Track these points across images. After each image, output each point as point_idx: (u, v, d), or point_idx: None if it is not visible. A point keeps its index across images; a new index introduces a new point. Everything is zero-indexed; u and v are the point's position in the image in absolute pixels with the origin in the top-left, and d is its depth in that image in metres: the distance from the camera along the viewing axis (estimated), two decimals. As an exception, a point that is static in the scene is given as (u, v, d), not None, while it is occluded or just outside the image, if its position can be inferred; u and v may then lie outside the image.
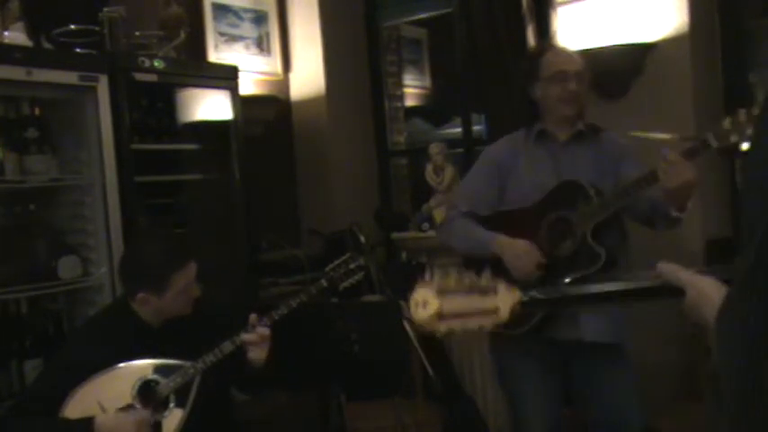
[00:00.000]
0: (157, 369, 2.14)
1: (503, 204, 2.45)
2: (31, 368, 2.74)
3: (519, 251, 2.30)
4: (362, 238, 2.97)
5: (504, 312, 1.14)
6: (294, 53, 4.32)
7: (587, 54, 3.37)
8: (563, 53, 2.47)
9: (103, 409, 2.06)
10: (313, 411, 3.19)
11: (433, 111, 5.31)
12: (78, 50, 2.97)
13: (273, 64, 4.25)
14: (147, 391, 2.12)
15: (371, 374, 2.52)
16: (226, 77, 3.44)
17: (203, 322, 2.25)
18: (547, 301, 1.21)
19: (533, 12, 3.50)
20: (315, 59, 4.24)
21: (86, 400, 2.07)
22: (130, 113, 3.04)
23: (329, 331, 2.50)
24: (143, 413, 2.07)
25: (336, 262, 2.32)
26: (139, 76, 3.04)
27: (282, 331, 2.24)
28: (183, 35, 3.36)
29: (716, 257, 3.23)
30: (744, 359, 0.74)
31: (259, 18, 4.18)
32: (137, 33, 3.27)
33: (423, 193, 3.97)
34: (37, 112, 2.89)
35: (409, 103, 5.01)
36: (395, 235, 3.87)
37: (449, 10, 4.04)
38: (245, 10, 4.11)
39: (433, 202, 3.77)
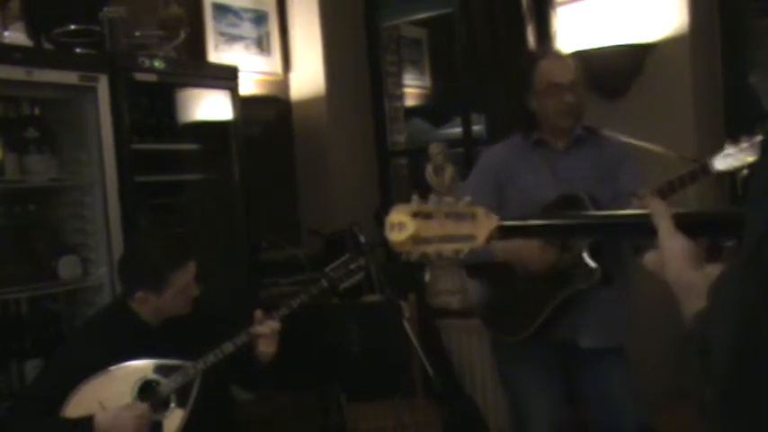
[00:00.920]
0: (158, 369, 2.14)
1: (501, 211, 2.45)
2: (31, 368, 2.74)
3: (518, 248, 2.31)
4: (362, 238, 2.96)
5: (480, 239, 1.13)
6: (294, 53, 4.32)
7: (587, 54, 3.40)
8: (556, 63, 2.43)
9: (105, 409, 2.06)
10: (313, 411, 3.19)
11: (433, 111, 5.31)
12: (78, 50, 2.96)
13: (273, 64, 4.25)
14: (147, 391, 2.12)
15: (371, 374, 2.52)
16: (226, 77, 3.44)
17: (203, 322, 2.25)
18: (523, 227, 1.18)
19: (533, 12, 3.50)
20: (315, 59, 4.24)
21: (87, 399, 2.07)
22: (130, 113, 3.03)
23: (329, 331, 2.50)
24: (142, 408, 2.07)
25: (336, 262, 2.33)
26: (139, 76, 3.03)
27: (283, 331, 2.24)
28: (182, 35, 3.36)
29: (716, 258, 3.23)
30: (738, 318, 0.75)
31: (259, 18, 4.18)
32: (137, 33, 3.27)
33: (423, 193, 3.96)
34: (37, 112, 2.89)
35: (409, 103, 5.01)
36: (395, 235, 3.87)
37: (449, 10, 4.04)
38: (245, 10, 4.11)
39: (432, 202, 3.77)
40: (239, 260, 3.46)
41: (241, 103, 3.48)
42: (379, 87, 4.44)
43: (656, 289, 3.01)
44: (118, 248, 2.83)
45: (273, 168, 4.18)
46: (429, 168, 3.77)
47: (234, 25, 4.04)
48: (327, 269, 2.32)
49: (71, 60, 2.84)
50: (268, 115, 4.05)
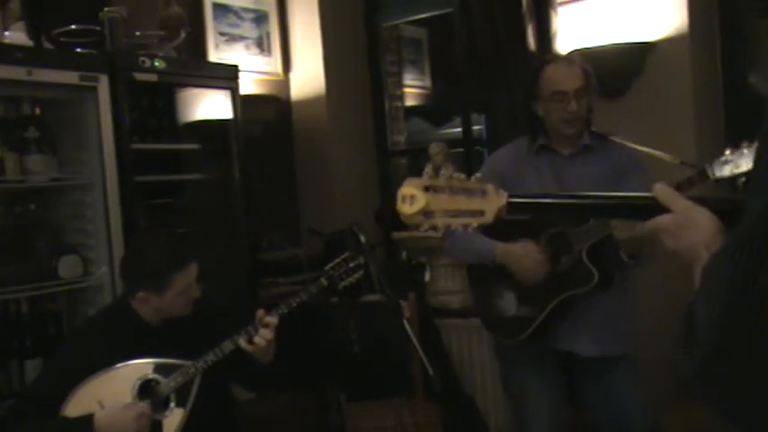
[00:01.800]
0: (158, 368, 2.14)
1: None
2: (32, 368, 2.74)
3: (519, 255, 2.32)
4: (362, 238, 2.97)
5: (490, 215, 1.16)
6: (294, 53, 4.32)
7: (587, 54, 3.40)
8: (562, 70, 2.38)
9: (104, 409, 2.06)
10: (313, 411, 3.20)
11: (433, 111, 5.31)
12: (79, 50, 2.97)
13: (273, 64, 4.25)
14: (147, 391, 2.12)
15: (371, 374, 2.52)
16: (226, 77, 3.44)
17: (203, 322, 2.25)
18: (531, 204, 1.21)
19: (533, 12, 3.50)
20: (315, 59, 4.24)
21: (87, 399, 2.07)
22: (130, 113, 3.04)
23: (329, 331, 2.50)
24: (142, 407, 2.07)
25: (336, 261, 2.33)
26: (139, 76, 3.04)
27: (283, 331, 2.24)
28: (183, 35, 3.36)
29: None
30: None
31: (259, 18, 4.18)
32: (137, 33, 3.27)
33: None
34: (37, 111, 2.89)
35: (409, 103, 5.00)
36: (395, 235, 3.88)
37: (449, 10, 4.04)
38: (246, 10, 4.11)
39: (433, 202, 3.77)
40: (239, 260, 3.46)
41: (241, 103, 3.48)
42: (379, 87, 4.44)
43: (657, 289, 3.03)
44: (118, 248, 2.83)
45: (273, 168, 4.18)
46: (429, 168, 3.77)
47: (234, 25, 4.04)
48: (327, 267, 2.32)
49: (71, 60, 2.84)
50: (268, 115, 4.05)
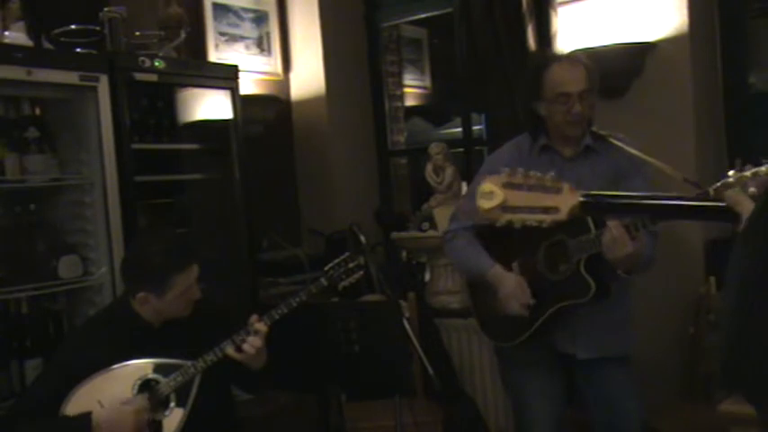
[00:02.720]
0: (158, 368, 2.14)
1: None
2: (32, 368, 2.74)
3: (509, 290, 2.32)
4: (362, 238, 2.97)
5: (564, 212, 1.22)
6: (294, 53, 4.32)
7: (587, 54, 3.40)
8: (567, 71, 2.35)
9: (103, 408, 2.06)
10: (313, 411, 3.19)
11: (433, 111, 5.31)
12: (78, 50, 2.97)
13: (273, 64, 4.25)
14: (147, 390, 2.12)
15: (371, 374, 2.51)
16: (226, 77, 3.44)
17: (203, 322, 2.25)
18: (604, 203, 1.25)
19: (533, 12, 3.50)
20: (315, 59, 4.24)
21: (87, 399, 2.08)
22: (130, 113, 3.04)
23: (329, 331, 2.50)
24: (140, 402, 2.07)
25: (336, 261, 2.33)
26: (139, 76, 3.03)
27: (283, 331, 2.24)
28: (183, 35, 3.36)
29: (716, 258, 3.23)
30: None
31: (259, 18, 4.18)
32: (137, 33, 3.27)
33: (423, 193, 3.97)
34: (37, 111, 2.89)
35: (409, 103, 5.01)
36: (395, 235, 3.88)
37: (449, 10, 4.04)
38: (246, 10, 4.11)
39: (433, 201, 3.78)
40: (239, 260, 3.46)
41: (241, 103, 3.48)
42: (379, 87, 4.44)
43: (656, 291, 3.03)
44: (118, 248, 2.83)
45: (274, 168, 4.18)
46: (429, 168, 3.77)
47: (234, 25, 4.04)
48: (327, 267, 2.32)
49: (71, 60, 2.84)
50: (268, 115, 4.05)
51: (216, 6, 3.94)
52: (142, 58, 3.06)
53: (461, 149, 4.14)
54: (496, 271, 2.37)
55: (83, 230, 2.95)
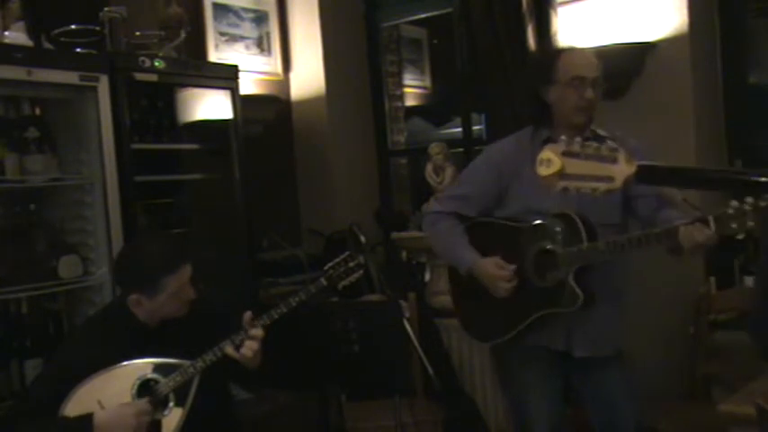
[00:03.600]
0: (157, 368, 2.14)
1: (500, 209, 2.41)
2: (32, 368, 2.75)
3: (490, 272, 2.31)
4: (362, 238, 2.97)
5: (618, 181, 1.27)
6: (294, 53, 4.32)
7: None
8: (582, 56, 2.34)
9: (104, 408, 2.06)
10: (313, 411, 3.19)
11: (433, 111, 5.31)
12: (79, 50, 2.97)
13: (273, 64, 4.25)
14: (146, 390, 2.12)
15: (371, 374, 2.51)
16: (226, 77, 3.44)
17: (201, 322, 2.25)
18: (659, 173, 1.31)
19: (533, 12, 3.50)
20: (315, 59, 4.24)
21: (86, 399, 2.07)
22: (130, 113, 3.04)
23: (329, 331, 2.50)
24: (142, 405, 2.07)
25: (335, 261, 2.32)
26: (139, 76, 3.04)
27: (283, 331, 2.24)
28: (183, 35, 3.36)
29: (716, 257, 3.23)
30: None
31: (259, 18, 4.18)
32: (137, 33, 3.27)
33: (423, 193, 3.97)
34: (37, 111, 2.90)
35: (409, 102, 5.01)
36: (395, 235, 3.88)
37: (449, 10, 4.04)
38: (246, 10, 4.11)
39: (432, 201, 3.78)
40: (239, 260, 3.46)
41: (241, 103, 3.48)
42: (379, 87, 4.44)
43: (656, 291, 3.03)
44: (118, 248, 2.82)
45: (273, 168, 4.18)
46: (429, 168, 3.77)
47: (234, 25, 4.04)
48: (326, 267, 2.32)
49: (71, 60, 2.84)
50: (268, 115, 4.05)
51: (216, 6, 3.94)
52: (142, 58, 3.06)
53: (461, 149, 4.14)
54: (476, 263, 2.35)
55: (83, 230, 2.95)
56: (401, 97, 4.68)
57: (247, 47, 4.11)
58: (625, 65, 3.39)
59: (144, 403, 2.08)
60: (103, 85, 2.87)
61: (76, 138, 2.93)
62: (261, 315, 2.22)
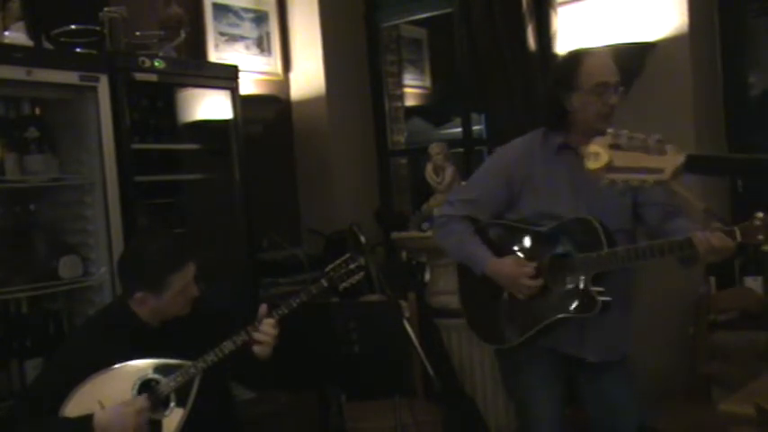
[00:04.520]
0: (158, 368, 2.14)
1: (511, 212, 2.37)
2: (32, 368, 2.75)
3: (510, 272, 2.27)
4: (362, 238, 2.97)
5: (668, 173, 1.25)
6: (294, 53, 4.32)
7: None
8: (604, 61, 2.28)
9: (104, 408, 2.06)
10: (313, 411, 3.19)
11: (433, 111, 5.31)
12: (78, 50, 2.97)
13: (273, 64, 4.25)
14: (147, 391, 2.12)
15: (371, 374, 2.51)
16: (226, 77, 3.44)
17: (202, 322, 2.25)
18: (710, 165, 1.31)
19: (533, 12, 3.50)
20: (315, 59, 4.24)
21: (87, 399, 2.07)
22: (130, 113, 3.04)
23: (329, 331, 2.50)
24: (140, 402, 2.07)
25: (336, 262, 2.32)
26: (139, 76, 3.04)
27: (283, 331, 2.24)
28: (183, 35, 3.36)
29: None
30: None
31: (259, 18, 4.18)
32: (137, 33, 3.27)
33: (423, 193, 3.97)
34: (37, 111, 2.90)
35: (409, 103, 5.01)
36: (395, 235, 3.88)
37: (449, 10, 4.04)
38: (246, 10, 4.11)
39: (432, 201, 3.78)
40: (239, 260, 3.46)
41: (241, 103, 3.48)
42: (379, 87, 4.44)
43: (656, 291, 3.02)
44: (118, 248, 2.83)
45: (274, 168, 4.18)
46: (429, 168, 3.77)
47: (234, 25, 4.04)
48: (327, 269, 2.31)
49: (71, 60, 2.84)
50: (268, 115, 4.05)
51: (216, 6, 3.94)
52: (142, 58, 3.06)
53: (461, 149, 4.14)
54: (496, 262, 2.31)
55: (83, 230, 2.95)
56: (401, 97, 4.68)
57: (247, 47, 4.11)
58: (625, 65, 3.38)
59: (142, 400, 2.07)
60: (103, 85, 2.87)
61: (76, 138, 2.93)
62: (270, 307, 2.22)
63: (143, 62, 3.05)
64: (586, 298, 2.17)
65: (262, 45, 4.19)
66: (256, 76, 4.13)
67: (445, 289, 3.70)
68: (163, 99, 3.39)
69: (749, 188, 3.43)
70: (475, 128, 4.17)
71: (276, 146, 4.23)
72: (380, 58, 4.45)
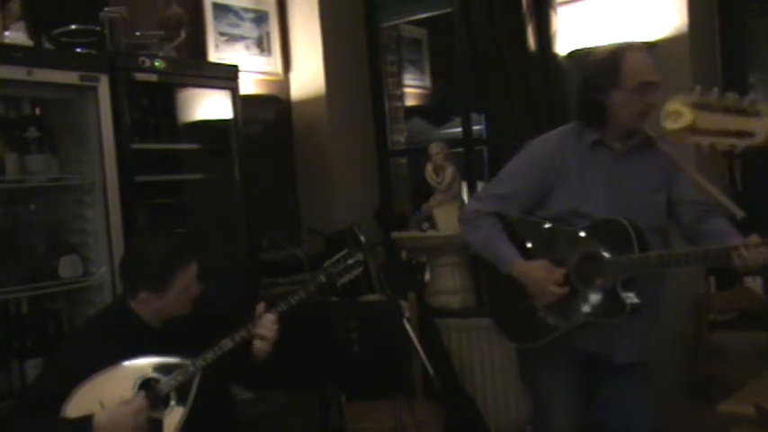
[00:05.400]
0: (158, 367, 2.14)
1: (541, 209, 2.32)
2: (32, 368, 2.74)
3: (539, 277, 2.22)
4: (362, 238, 2.97)
5: (761, 137, 1.13)
6: (294, 53, 4.32)
7: (587, 54, 3.40)
8: (648, 58, 2.22)
9: (104, 408, 2.06)
10: (313, 411, 3.19)
11: (433, 111, 5.31)
12: (79, 50, 2.97)
13: (273, 64, 4.25)
14: (147, 390, 2.12)
15: (371, 374, 2.52)
16: (226, 77, 3.44)
17: (203, 321, 2.25)
18: None
19: (533, 12, 3.50)
20: (315, 59, 4.24)
21: (87, 399, 2.07)
22: (131, 113, 3.04)
23: (329, 331, 2.50)
24: (138, 401, 2.07)
25: (334, 258, 2.31)
26: (139, 76, 3.04)
27: (282, 331, 2.24)
28: (183, 35, 3.36)
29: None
30: None
31: (259, 18, 4.18)
32: (137, 33, 3.27)
33: (423, 192, 3.97)
34: (37, 111, 2.90)
35: (409, 103, 5.01)
36: (395, 234, 3.88)
37: (449, 10, 4.04)
38: (246, 10, 4.11)
39: (433, 201, 3.78)
40: (239, 260, 3.46)
41: (241, 103, 3.48)
42: (379, 87, 4.44)
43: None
44: (118, 248, 2.83)
45: (274, 168, 4.18)
46: (429, 168, 3.77)
47: (234, 25, 4.04)
48: (325, 265, 2.31)
49: (71, 60, 2.84)
50: (268, 115, 4.05)
51: (216, 6, 3.94)
52: (142, 58, 3.06)
53: (461, 149, 4.14)
54: (524, 265, 2.26)
55: (83, 230, 2.95)
56: (401, 97, 4.69)
57: (247, 47, 4.11)
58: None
59: (140, 399, 2.07)
60: (103, 85, 2.87)
61: (76, 138, 2.93)
62: (269, 307, 2.23)
63: (143, 62, 3.05)
64: (615, 301, 2.13)
65: (262, 45, 4.19)
66: (256, 76, 4.13)
67: (445, 289, 3.71)
68: (163, 99, 3.39)
69: (748, 187, 3.44)
70: (475, 128, 4.17)
71: (276, 146, 4.23)
72: (380, 58, 4.45)
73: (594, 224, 2.20)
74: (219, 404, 2.32)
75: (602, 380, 2.38)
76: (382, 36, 4.47)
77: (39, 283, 2.76)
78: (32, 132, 2.78)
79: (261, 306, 2.23)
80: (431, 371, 2.58)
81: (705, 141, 1.15)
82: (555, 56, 3.52)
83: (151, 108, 3.32)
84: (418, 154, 4.30)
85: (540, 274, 2.23)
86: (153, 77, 3.09)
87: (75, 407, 2.07)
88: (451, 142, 4.02)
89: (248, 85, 3.96)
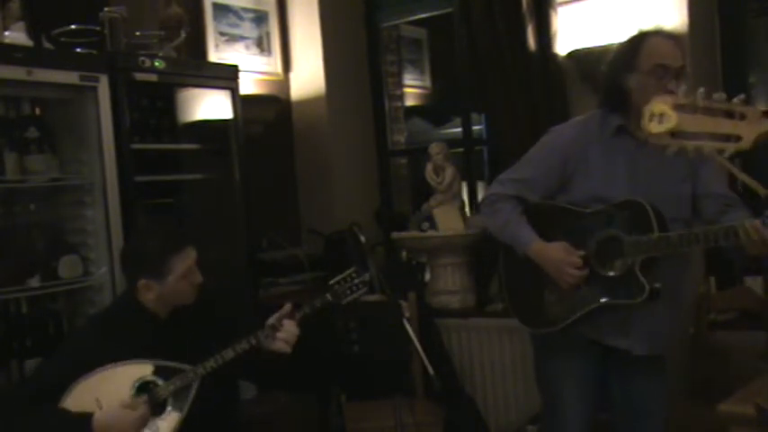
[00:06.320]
0: (158, 371, 2.14)
1: (562, 195, 2.30)
2: (31, 368, 2.74)
3: (557, 257, 2.20)
4: (362, 238, 2.97)
5: (748, 141, 1.05)
6: (294, 53, 4.32)
7: (587, 54, 3.40)
8: (668, 43, 2.17)
9: (101, 407, 2.06)
10: (313, 411, 3.20)
11: (433, 111, 5.32)
12: (79, 50, 2.97)
13: (273, 64, 4.25)
14: (145, 392, 2.12)
15: (371, 374, 2.52)
16: (226, 77, 3.44)
17: (209, 315, 2.27)
18: None
19: (533, 12, 3.50)
20: (315, 59, 4.24)
21: (85, 395, 2.08)
22: (130, 113, 3.04)
23: (329, 331, 2.50)
24: (143, 409, 2.08)
25: (341, 276, 2.30)
26: (139, 76, 3.04)
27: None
28: (183, 35, 3.36)
29: (715, 258, 3.23)
30: None
31: (259, 18, 4.18)
32: (137, 33, 3.27)
33: (423, 193, 3.97)
34: (37, 111, 2.90)
35: (409, 103, 5.01)
36: (395, 235, 3.88)
37: (449, 10, 4.05)
38: (246, 10, 4.11)
39: (433, 201, 3.78)
40: (239, 260, 3.46)
41: (241, 103, 3.48)
42: (379, 87, 4.44)
43: (665, 292, 2.98)
44: (118, 248, 2.83)
45: (274, 168, 4.18)
46: (429, 168, 3.78)
47: (234, 25, 4.04)
48: (332, 282, 2.30)
49: (71, 60, 2.84)
50: (268, 115, 4.05)
51: (216, 6, 3.94)
52: (142, 58, 3.06)
53: (461, 149, 4.14)
54: (539, 245, 2.24)
55: (83, 230, 2.95)
56: (401, 97, 4.68)
57: (247, 47, 4.11)
58: (625, 65, 3.39)
59: (144, 410, 2.08)
60: (103, 85, 2.87)
61: (76, 138, 2.93)
62: (295, 306, 2.24)
63: (143, 62, 3.05)
64: (634, 283, 2.10)
65: (262, 45, 4.19)
66: (256, 76, 4.13)
67: (445, 289, 3.71)
68: (163, 99, 3.39)
69: (748, 187, 3.43)
70: (475, 128, 4.17)
71: (276, 146, 4.23)
72: (380, 58, 4.45)
73: (614, 206, 2.17)
74: (221, 408, 2.32)
75: (615, 375, 2.35)
76: (382, 36, 4.47)
77: (39, 283, 2.76)
78: (32, 132, 2.78)
79: (288, 306, 2.23)
80: (431, 371, 2.59)
81: (690, 145, 1.08)
82: (555, 56, 3.52)
83: (151, 108, 3.32)
84: (418, 154, 4.30)
85: (558, 255, 2.21)
86: (153, 77, 3.09)
87: (72, 403, 2.08)
88: (451, 142, 4.02)
89: (248, 85, 3.95)
